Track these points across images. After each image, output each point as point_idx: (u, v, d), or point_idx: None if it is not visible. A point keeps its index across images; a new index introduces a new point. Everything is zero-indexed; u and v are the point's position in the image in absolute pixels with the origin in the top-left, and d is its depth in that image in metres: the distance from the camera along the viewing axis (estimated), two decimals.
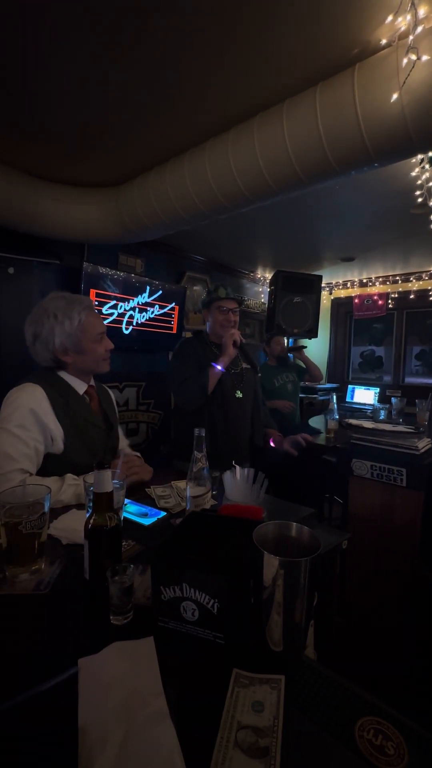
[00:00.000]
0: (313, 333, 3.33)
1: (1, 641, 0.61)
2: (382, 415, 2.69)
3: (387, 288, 4.79)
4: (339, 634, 1.15)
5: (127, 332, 3.25)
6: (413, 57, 1.17)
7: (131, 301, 3.23)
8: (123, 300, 3.17)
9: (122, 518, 0.95)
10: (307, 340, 3.51)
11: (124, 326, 3.23)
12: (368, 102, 1.35)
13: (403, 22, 1.20)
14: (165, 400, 3.66)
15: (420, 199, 2.24)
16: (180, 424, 1.87)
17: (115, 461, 1.20)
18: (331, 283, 5.22)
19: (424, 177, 2.09)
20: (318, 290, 3.34)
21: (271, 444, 1.96)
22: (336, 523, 2.63)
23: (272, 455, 1.97)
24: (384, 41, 1.31)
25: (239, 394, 1.87)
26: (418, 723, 0.49)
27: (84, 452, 1.21)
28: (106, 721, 0.47)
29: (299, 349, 3.18)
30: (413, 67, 1.19)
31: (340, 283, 5.16)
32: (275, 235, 3.41)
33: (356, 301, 5.00)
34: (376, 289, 4.88)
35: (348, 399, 4.87)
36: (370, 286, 4.92)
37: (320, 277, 3.37)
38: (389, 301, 4.74)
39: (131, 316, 3.26)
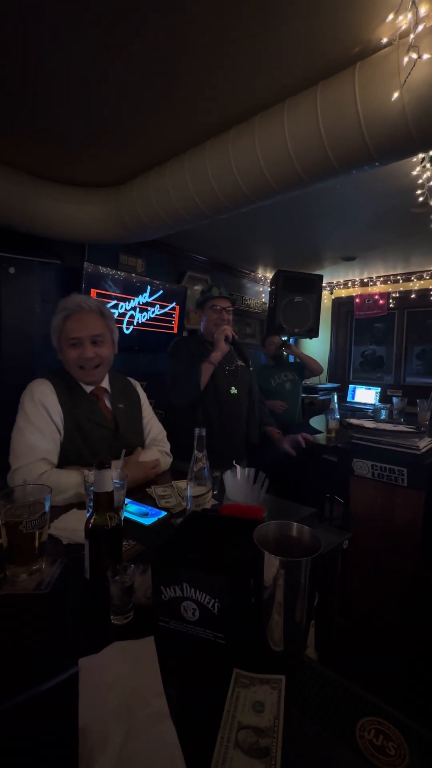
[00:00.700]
0: (314, 333, 3.33)
1: (2, 641, 0.61)
2: (383, 414, 2.69)
3: (388, 287, 4.78)
4: (340, 634, 1.14)
5: (127, 332, 3.25)
6: (414, 56, 1.16)
7: (132, 300, 3.24)
8: (124, 300, 3.17)
9: (123, 518, 0.95)
10: (308, 339, 3.51)
11: (124, 326, 3.23)
12: (369, 101, 1.34)
13: (403, 20, 1.20)
14: (166, 399, 3.67)
15: (421, 198, 2.24)
16: (176, 423, 1.87)
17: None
18: (332, 283, 5.21)
19: (425, 176, 2.09)
20: (319, 290, 3.34)
21: (275, 437, 1.96)
22: (337, 523, 2.62)
23: (271, 452, 1.98)
24: (385, 40, 1.31)
25: (234, 391, 1.88)
26: (420, 723, 0.49)
27: (84, 450, 1.22)
28: (106, 721, 0.47)
29: (287, 345, 3.16)
30: (414, 65, 1.19)
31: (341, 282, 5.15)
32: (276, 235, 3.40)
33: (357, 300, 4.99)
34: (377, 288, 4.88)
35: (349, 399, 4.87)
36: (371, 285, 4.92)
37: (321, 277, 3.37)
38: (390, 301, 4.74)
39: (132, 316, 3.26)
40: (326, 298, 5.21)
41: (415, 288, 4.55)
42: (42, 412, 1.17)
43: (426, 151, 1.50)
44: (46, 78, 1.52)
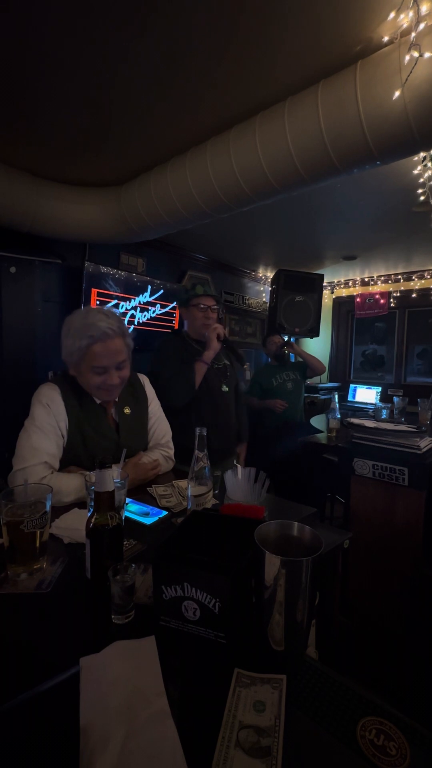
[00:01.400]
0: (314, 332, 3.33)
1: (3, 640, 0.61)
2: (384, 414, 2.68)
3: (389, 287, 4.77)
4: (341, 633, 1.14)
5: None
6: (415, 54, 1.16)
7: (133, 300, 3.23)
8: (124, 299, 3.17)
9: (124, 517, 0.95)
10: (308, 339, 3.51)
11: None
12: (370, 99, 1.34)
13: (405, 19, 1.20)
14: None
15: (422, 197, 2.24)
16: (170, 424, 1.86)
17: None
18: (333, 282, 5.20)
19: (426, 175, 2.08)
20: (320, 289, 3.34)
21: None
22: (338, 523, 2.62)
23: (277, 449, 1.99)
24: (386, 38, 1.31)
25: (225, 389, 1.89)
26: (421, 723, 0.49)
27: (83, 456, 1.22)
28: (107, 720, 0.47)
29: (288, 344, 3.16)
30: (416, 64, 1.19)
31: (342, 281, 5.14)
32: (277, 234, 3.40)
33: (358, 300, 4.99)
34: (378, 288, 4.87)
35: (350, 398, 4.87)
36: (372, 284, 4.91)
37: (322, 276, 3.37)
38: (391, 300, 4.73)
39: (133, 316, 3.26)
40: (327, 298, 5.20)
41: (416, 287, 4.54)
42: (48, 416, 1.17)
43: (427, 149, 1.50)
44: (47, 78, 1.51)
